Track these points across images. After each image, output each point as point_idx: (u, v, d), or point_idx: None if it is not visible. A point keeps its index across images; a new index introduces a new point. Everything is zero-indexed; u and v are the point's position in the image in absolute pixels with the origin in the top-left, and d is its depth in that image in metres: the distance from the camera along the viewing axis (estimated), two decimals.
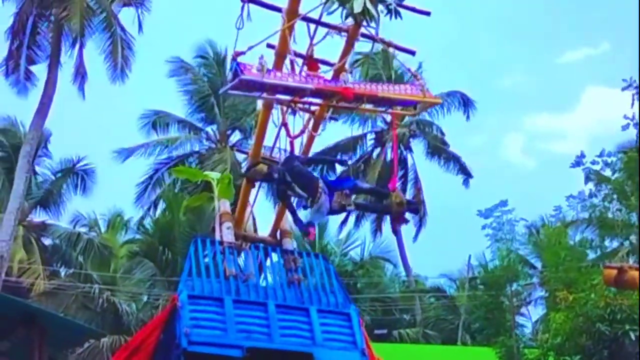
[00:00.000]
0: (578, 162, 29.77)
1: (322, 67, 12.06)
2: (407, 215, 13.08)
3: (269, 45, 11.82)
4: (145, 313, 33.61)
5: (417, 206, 13.14)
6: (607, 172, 30.17)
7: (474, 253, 38.60)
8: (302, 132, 13.49)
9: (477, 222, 35.98)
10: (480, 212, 36.44)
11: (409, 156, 44.31)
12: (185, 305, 11.52)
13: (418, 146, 44.58)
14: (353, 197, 12.67)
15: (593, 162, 29.99)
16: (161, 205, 39.15)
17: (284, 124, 13.45)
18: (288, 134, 13.45)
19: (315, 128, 13.43)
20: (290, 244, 14.02)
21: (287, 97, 11.94)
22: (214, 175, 15.35)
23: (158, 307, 32.57)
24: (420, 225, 42.77)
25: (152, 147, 40.52)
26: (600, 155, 29.86)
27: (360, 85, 11.84)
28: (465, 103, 43.20)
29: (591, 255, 30.76)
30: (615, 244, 31.10)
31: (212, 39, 41.32)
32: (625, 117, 28.64)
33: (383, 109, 12.77)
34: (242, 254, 13.48)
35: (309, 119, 13.31)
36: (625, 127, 28.80)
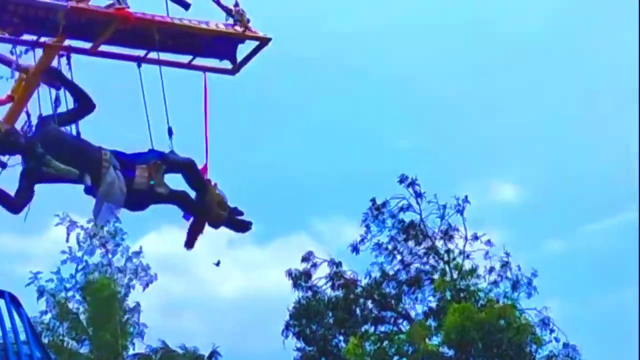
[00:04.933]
0: (33, 280, 28.82)
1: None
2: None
3: None
4: None
5: (245, 222, 8.38)
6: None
7: None
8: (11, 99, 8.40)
9: None
10: None
11: None
12: None
13: None
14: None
15: (49, 280, 29.31)
16: None
17: None
18: None
19: (28, 84, 8.21)
20: None
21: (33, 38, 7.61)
22: None
23: None
24: None
25: None
26: (57, 272, 29.31)
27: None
28: None
29: None
30: None
31: None
32: (63, 251, 28.59)
33: (187, 59, 8.27)
34: None
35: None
36: (64, 262, 28.79)
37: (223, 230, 8.22)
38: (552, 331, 26.58)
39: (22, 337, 8.60)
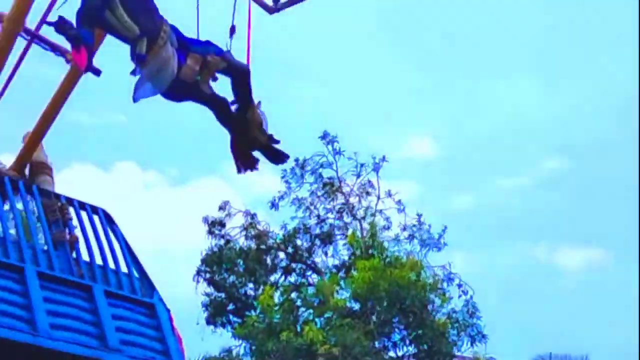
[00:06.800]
0: None
1: None
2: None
3: None
4: None
5: (283, 152, 7.56)
6: None
7: None
8: None
9: None
10: None
11: None
12: None
13: None
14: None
15: None
16: None
17: None
18: None
19: None
20: (50, 183, 9.29)
21: None
22: None
23: None
24: None
25: None
26: None
27: None
28: None
29: None
30: None
31: None
32: None
33: None
34: None
35: None
36: None
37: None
38: (459, 285, 27.25)
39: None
